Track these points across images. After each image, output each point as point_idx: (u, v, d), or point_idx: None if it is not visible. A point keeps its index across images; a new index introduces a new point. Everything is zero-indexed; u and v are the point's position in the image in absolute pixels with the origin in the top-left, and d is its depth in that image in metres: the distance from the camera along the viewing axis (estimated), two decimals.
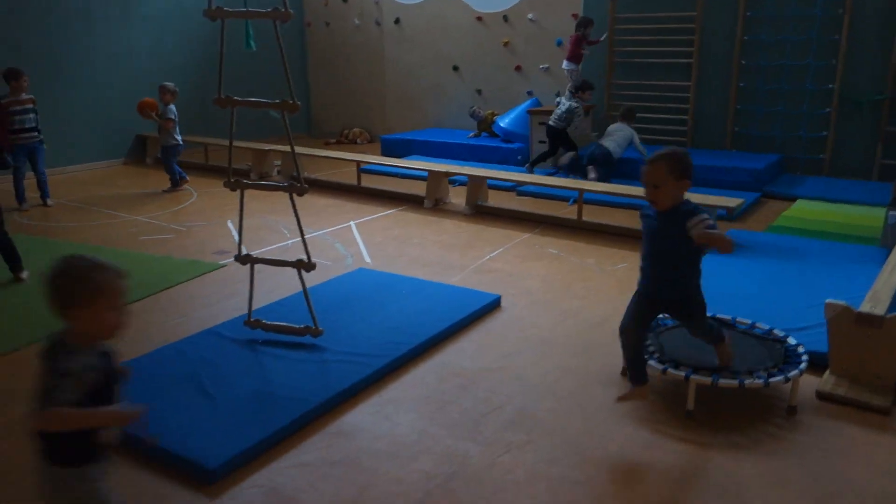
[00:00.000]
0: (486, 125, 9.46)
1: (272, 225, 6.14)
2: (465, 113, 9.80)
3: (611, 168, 7.38)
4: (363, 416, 3.03)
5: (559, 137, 7.78)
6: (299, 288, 3.71)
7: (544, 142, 8.18)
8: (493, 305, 4.20)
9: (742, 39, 7.99)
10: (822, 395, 3.13)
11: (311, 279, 4.23)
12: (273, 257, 3.97)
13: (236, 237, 4.03)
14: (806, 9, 7.61)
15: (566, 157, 7.72)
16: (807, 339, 3.39)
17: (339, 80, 11.59)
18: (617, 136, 7.41)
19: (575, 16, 8.79)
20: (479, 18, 9.92)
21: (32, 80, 6.88)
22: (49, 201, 6.95)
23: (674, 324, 3.45)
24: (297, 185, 3.61)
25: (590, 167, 7.45)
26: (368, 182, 7.68)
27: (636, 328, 2.85)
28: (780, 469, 2.63)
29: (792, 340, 3.25)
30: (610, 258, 5.15)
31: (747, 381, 2.91)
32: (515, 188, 7.32)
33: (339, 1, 11.17)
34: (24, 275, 4.72)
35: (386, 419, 2.99)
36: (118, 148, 9.43)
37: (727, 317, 3.49)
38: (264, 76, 9.63)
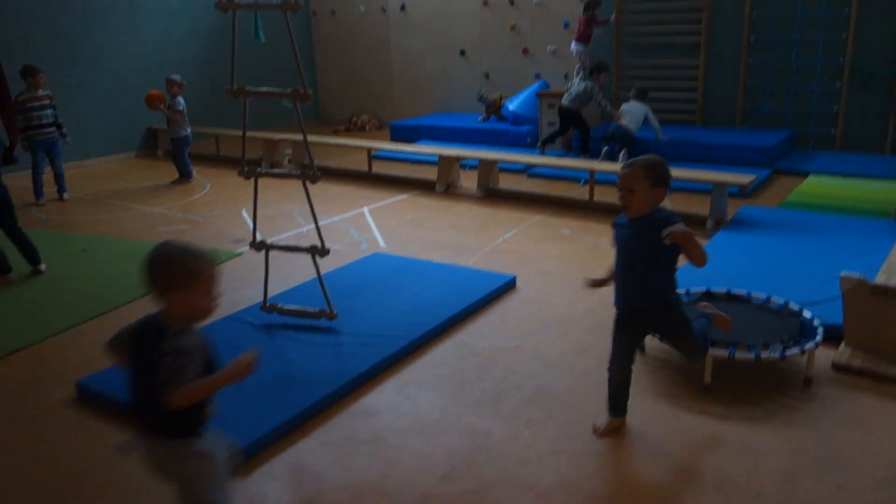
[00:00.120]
0: (494, 109, 9.46)
1: (286, 213, 6.19)
2: (473, 97, 9.80)
3: (630, 146, 7.39)
4: (385, 396, 3.09)
5: (572, 118, 7.78)
6: (315, 274, 3.77)
7: (554, 124, 8.19)
8: (509, 286, 4.25)
9: (750, 16, 7.95)
10: (837, 367, 3.17)
11: (328, 265, 4.30)
12: (290, 244, 4.02)
13: (251, 226, 4.09)
14: None
15: (603, 153, 7.65)
16: (822, 312, 3.42)
17: (346, 67, 11.61)
18: (633, 114, 7.40)
19: None
20: (485, 3, 9.89)
21: None
22: (65, 195, 7.04)
23: (689, 299, 3.49)
24: (311, 172, 3.66)
25: (604, 151, 7.44)
26: (379, 168, 7.72)
27: (623, 364, 2.70)
28: (797, 438, 2.68)
29: (807, 314, 3.28)
30: None
31: (763, 355, 2.95)
32: (526, 170, 7.34)
33: None
34: (42, 267, 4.81)
35: (408, 398, 3.05)
36: (130, 141, 9.51)
37: (742, 292, 3.52)
38: (272, 66, 9.67)
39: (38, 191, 6.83)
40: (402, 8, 10.66)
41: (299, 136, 7.87)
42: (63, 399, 3.16)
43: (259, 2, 3.88)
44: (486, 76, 10.15)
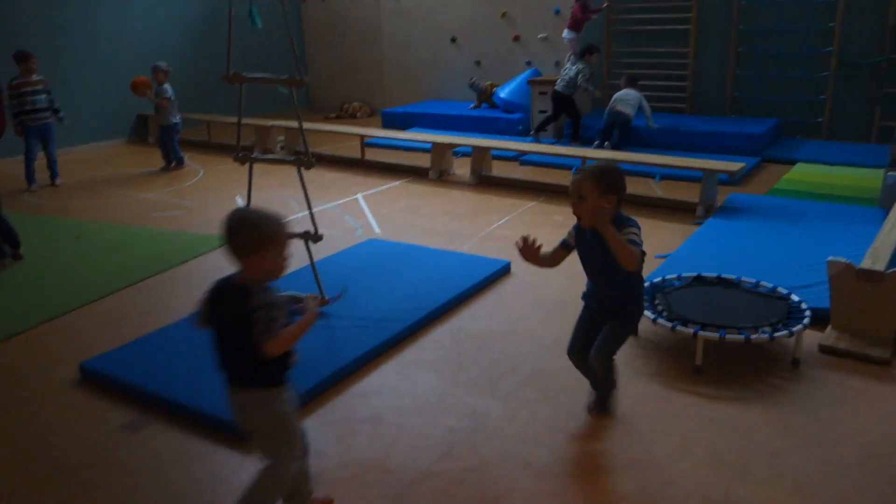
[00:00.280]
0: (486, 96, 9.50)
1: (280, 200, 6.22)
2: (465, 84, 9.83)
3: (628, 133, 7.46)
4: (385, 378, 3.16)
5: (565, 104, 7.83)
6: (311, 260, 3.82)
7: (545, 111, 8.24)
8: (504, 271, 4.32)
9: (740, 4, 8.02)
10: (824, 349, 3.26)
11: (324, 250, 4.35)
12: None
13: None
14: None
15: (607, 145, 7.68)
16: (809, 296, 3.52)
17: (336, 54, 11.58)
18: (630, 101, 7.47)
19: None
20: None
21: None
22: (57, 181, 7.02)
23: (681, 283, 3.58)
24: (305, 158, 3.70)
25: (607, 144, 7.49)
26: (372, 155, 7.75)
27: (580, 347, 2.67)
28: (786, 417, 2.77)
29: (795, 297, 3.38)
30: None
31: (753, 337, 3.03)
32: (519, 158, 7.40)
33: None
34: (21, 252, 4.77)
35: (407, 379, 3.12)
36: (120, 127, 9.48)
37: (732, 276, 3.61)
38: (263, 53, 9.64)
39: (30, 176, 6.81)
40: None
41: (291, 123, 7.92)
42: (66, 380, 3.20)
43: None
44: (478, 63, 10.17)
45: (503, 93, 9.12)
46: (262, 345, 1.91)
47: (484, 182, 6.68)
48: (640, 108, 7.48)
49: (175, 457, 2.63)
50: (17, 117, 6.61)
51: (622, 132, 7.46)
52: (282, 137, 8.33)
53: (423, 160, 7.20)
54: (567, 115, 7.95)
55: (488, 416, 2.84)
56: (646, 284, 3.59)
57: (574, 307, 3.80)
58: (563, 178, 6.62)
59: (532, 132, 8.12)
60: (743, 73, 8.23)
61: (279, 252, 2.00)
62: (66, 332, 3.75)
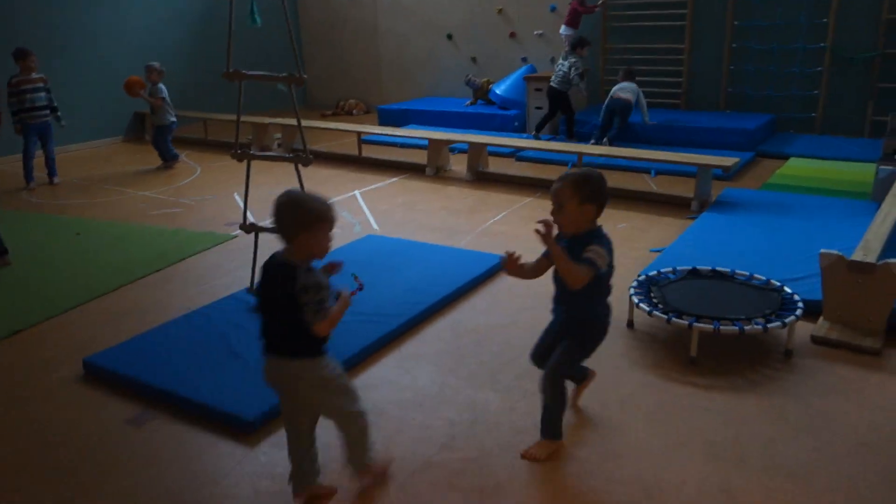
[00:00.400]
0: (482, 93, 9.53)
1: None
2: (461, 81, 9.86)
3: (628, 120, 7.53)
4: (386, 371, 3.20)
5: (560, 100, 7.86)
6: None
7: (541, 108, 8.28)
8: (501, 266, 4.36)
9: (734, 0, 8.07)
10: (816, 340, 3.32)
11: None
12: None
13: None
14: None
15: (605, 141, 7.70)
16: (802, 288, 3.58)
17: (333, 51, 11.60)
18: (628, 90, 7.52)
19: None
20: None
21: None
22: (55, 179, 7.05)
23: (677, 277, 3.63)
24: (303, 155, 3.74)
25: (606, 138, 7.52)
26: (369, 152, 7.79)
27: (539, 356, 2.65)
28: (779, 406, 2.83)
29: (788, 289, 3.43)
30: (611, 218, 5.30)
31: (747, 328, 3.09)
32: (515, 154, 7.45)
33: None
34: (8, 257, 4.71)
35: (408, 373, 3.17)
36: (117, 125, 9.50)
37: (727, 269, 3.66)
38: (260, 51, 9.66)
39: (28, 175, 6.83)
40: None
41: (288, 120, 7.96)
42: (70, 377, 3.24)
43: None
44: (474, 60, 10.21)
45: (499, 89, 9.16)
46: (314, 326, 2.09)
47: (480, 178, 6.72)
48: (636, 103, 7.53)
49: (179, 450, 2.68)
50: (16, 115, 6.63)
51: (622, 119, 7.51)
52: (279, 135, 8.36)
53: (420, 157, 7.24)
54: (561, 111, 7.99)
55: (487, 408, 2.89)
56: (641, 277, 3.67)
57: None
58: (559, 174, 6.66)
59: (533, 133, 8.12)
60: (737, 69, 8.28)
61: (326, 232, 2.15)
62: (67, 329, 3.78)
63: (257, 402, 2.79)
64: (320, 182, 6.64)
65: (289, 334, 2.16)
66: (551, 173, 6.70)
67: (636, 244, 4.69)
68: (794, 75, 7.97)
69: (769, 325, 3.10)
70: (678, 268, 3.74)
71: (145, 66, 7.45)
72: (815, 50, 7.80)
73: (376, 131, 7.99)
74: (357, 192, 6.39)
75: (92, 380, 3.20)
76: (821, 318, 3.43)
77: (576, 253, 2.34)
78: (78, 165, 7.96)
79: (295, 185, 3.58)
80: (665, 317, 3.20)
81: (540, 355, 2.65)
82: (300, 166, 3.81)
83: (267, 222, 4.95)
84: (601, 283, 2.41)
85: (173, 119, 7.50)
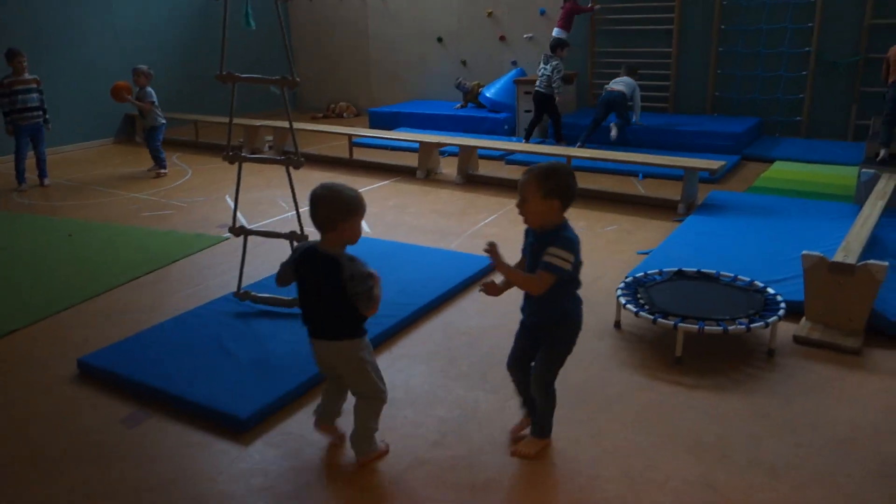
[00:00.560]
0: (472, 96, 9.60)
1: (270, 199, 6.30)
2: (451, 84, 9.93)
3: (625, 111, 7.63)
4: None
5: (546, 103, 7.92)
6: None
7: (530, 111, 8.36)
8: (491, 268, 4.40)
9: (721, 4, 8.18)
10: (798, 339, 3.40)
11: None
12: (273, 230, 4.13)
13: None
14: None
15: (614, 131, 7.81)
16: (784, 289, 3.66)
17: (323, 54, 11.64)
18: (623, 82, 7.62)
19: None
20: None
21: None
22: (46, 181, 7.04)
23: (663, 278, 3.70)
24: (294, 158, 3.78)
25: (612, 125, 7.65)
26: (360, 155, 7.83)
27: (517, 366, 2.62)
28: (762, 404, 2.90)
29: (771, 290, 3.51)
30: (599, 221, 5.39)
31: (731, 328, 3.16)
32: (504, 157, 7.51)
33: None
34: None
35: (400, 372, 3.22)
36: (108, 127, 9.49)
37: (712, 271, 3.74)
38: (252, 53, 9.69)
39: (19, 176, 6.83)
40: None
41: (279, 123, 7.99)
42: (64, 376, 3.27)
43: None
44: (464, 63, 10.28)
45: (489, 92, 9.23)
46: (365, 311, 2.34)
47: (471, 181, 6.78)
48: (631, 98, 7.60)
49: (173, 449, 2.71)
50: (7, 116, 6.62)
51: (619, 113, 7.62)
52: (270, 137, 8.39)
53: (411, 160, 7.30)
54: (547, 114, 8.03)
55: (477, 406, 2.95)
56: (628, 279, 3.74)
57: None
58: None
59: (524, 139, 8.17)
60: (724, 73, 8.39)
61: (360, 220, 2.37)
62: (60, 330, 3.81)
63: (251, 401, 2.84)
64: (311, 185, 6.64)
65: (335, 319, 2.39)
66: None
67: (624, 246, 4.77)
68: (780, 79, 8.09)
69: (752, 326, 3.17)
70: (664, 269, 3.81)
71: (132, 70, 7.37)
72: (800, 54, 7.92)
73: (367, 134, 8.04)
74: None
75: (86, 379, 3.23)
76: (803, 319, 3.51)
77: (540, 251, 2.32)
78: (69, 167, 7.96)
79: (280, 189, 3.62)
80: (651, 317, 3.27)
81: (517, 360, 2.62)
82: (291, 169, 3.86)
83: (257, 225, 5.00)
84: (566, 282, 2.38)
85: (163, 121, 7.47)
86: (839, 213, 5.15)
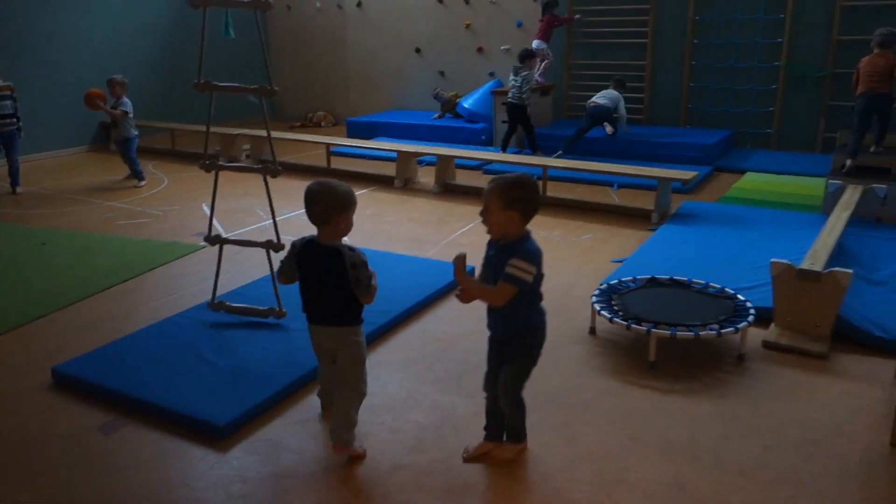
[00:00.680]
0: (450, 106, 9.67)
1: (248, 208, 6.29)
2: (429, 94, 10.00)
3: (612, 122, 7.83)
4: None
5: (518, 114, 7.96)
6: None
7: (507, 121, 8.43)
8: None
9: (694, 19, 8.36)
10: (767, 345, 3.49)
11: None
12: (250, 238, 4.14)
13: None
14: None
15: (609, 128, 7.96)
16: (754, 296, 3.75)
17: (301, 63, 11.65)
18: (609, 97, 7.76)
19: None
20: (441, 1, 10.09)
21: None
22: (19, 189, 6.96)
23: (636, 285, 3.77)
24: (271, 167, 3.79)
25: (605, 123, 7.84)
26: (338, 164, 7.85)
27: (494, 387, 2.60)
28: (732, 408, 2.97)
29: (741, 297, 3.60)
30: (575, 230, 5.46)
31: (702, 333, 3.24)
32: (482, 167, 7.58)
33: None
34: None
35: (377, 379, 3.24)
36: (82, 135, 9.41)
37: (684, 278, 3.82)
38: (230, 62, 9.68)
39: None
40: (359, 4, 10.78)
41: (257, 132, 7.99)
42: (39, 385, 3.24)
43: None
44: (442, 74, 10.36)
45: (467, 103, 9.31)
46: (363, 297, 2.50)
47: (448, 190, 6.83)
48: (615, 111, 7.74)
49: (150, 456, 2.71)
50: None
51: (603, 121, 7.79)
52: (247, 146, 8.37)
53: (389, 169, 7.33)
54: (520, 125, 8.09)
55: (454, 412, 2.98)
56: (603, 286, 3.80)
57: None
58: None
59: (501, 148, 8.24)
60: (697, 86, 8.56)
61: (352, 214, 2.53)
62: (34, 339, 3.77)
63: (228, 408, 2.84)
64: (290, 194, 6.68)
65: (338, 306, 2.54)
66: None
67: (599, 255, 4.84)
68: (751, 93, 8.27)
69: (723, 331, 3.25)
70: (638, 277, 3.88)
71: (108, 81, 7.23)
72: (770, 69, 8.11)
73: (345, 143, 8.06)
74: None
75: (61, 388, 3.21)
76: (772, 325, 3.60)
77: (502, 263, 2.32)
78: (43, 175, 7.87)
79: (257, 198, 3.64)
80: (625, 323, 3.33)
81: (493, 382, 2.60)
82: (268, 177, 3.87)
83: (234, 234, 4.97)
84: (528, 294, 2.38)
85: (136, 132, 7.33)
86: (807, 222, 5.28)
